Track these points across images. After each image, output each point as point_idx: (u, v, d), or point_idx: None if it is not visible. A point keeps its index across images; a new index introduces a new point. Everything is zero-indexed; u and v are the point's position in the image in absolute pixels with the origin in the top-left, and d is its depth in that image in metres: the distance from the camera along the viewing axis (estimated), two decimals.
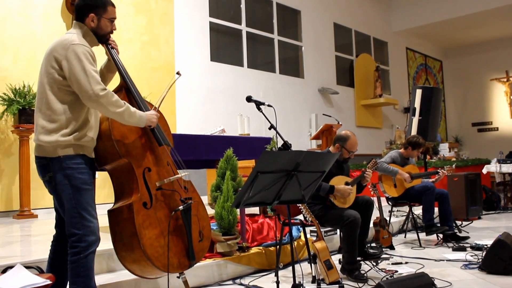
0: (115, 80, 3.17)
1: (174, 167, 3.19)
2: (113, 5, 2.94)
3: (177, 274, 3.09)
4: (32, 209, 6.29)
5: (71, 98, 2.71)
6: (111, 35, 3.02)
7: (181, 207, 2.97)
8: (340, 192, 4.21)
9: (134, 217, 2.79)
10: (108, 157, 2.93)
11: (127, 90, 3.10)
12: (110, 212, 2.93)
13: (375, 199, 5.28)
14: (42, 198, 6.58)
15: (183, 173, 3.13)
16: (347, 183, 4.30)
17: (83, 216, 2.68)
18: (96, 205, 2.84)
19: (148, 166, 2.99)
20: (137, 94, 3.11)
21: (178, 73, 3.46)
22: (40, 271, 2.70)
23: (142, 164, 2.96)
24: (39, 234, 4.83)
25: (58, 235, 2.94)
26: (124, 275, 3.51)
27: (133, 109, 2.82)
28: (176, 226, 3.01)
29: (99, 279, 3.21)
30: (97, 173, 3.07)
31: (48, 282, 2.46)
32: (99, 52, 2.94)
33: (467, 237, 5.63)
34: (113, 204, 2.99)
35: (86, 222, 2.68)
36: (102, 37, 2.94)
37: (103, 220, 3.04)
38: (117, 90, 3.09)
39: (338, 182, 4.26)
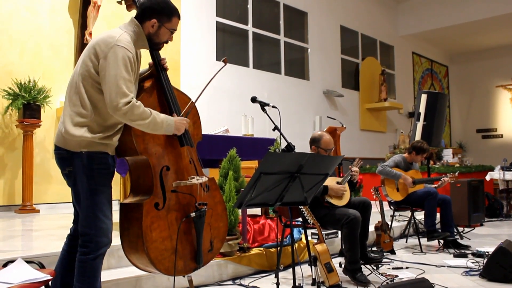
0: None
1: (199, 166, 3.05)
2: (178, 17, 2.84)
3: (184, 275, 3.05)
4: (34, 204, 6.30)
5: (101, 96, 2.61)
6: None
7: (193, 214, 2.85)
8: (334, 191, 4.22)
9: (143, 218, 2.71)
10: (127, 150, 2.84)
11: (157, 79, 2.95)
12: (121, 206, 2.87)
13: (377, 203, 5.28)
14: (45, 193, 6.60)
15: (202, 178, 2.93)
16: (338, 183, 4.29)
17: (97, 217, 2.63)
18: None
19: (167, 165, 2.88)
20: (168, 86, 2.95)
21: (224, 60, 3.15)
22: (41, 266, 2.69)
23: (160, 162, 2.85)
24: (41, 229, 4.84)
25: (74, 231, 2.86)
26: (124, 272, 3.52)
27: (160, 118, 2.68)
28: (187, 229, 2.92)
29: None
30: None
31: (49, 277, 2.46)
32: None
33: (468, 246, 5.59)
34: (127, 196, 2.92)
35: (99, 223, 2.64)
36: (155, 44, 2.84)
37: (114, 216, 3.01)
38: (146, 78, 2.97)
39: (329, 182, 4.25)
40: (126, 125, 2.75)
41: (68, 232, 2.89)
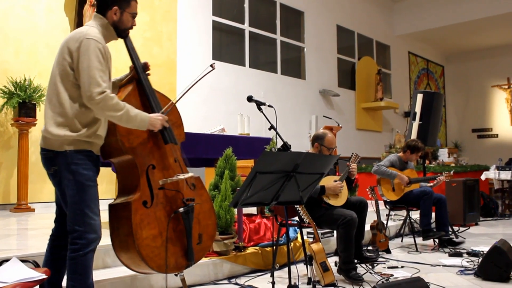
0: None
1: (183, 164, 3.11)
2: (136, 1, 2.91)
3: (177, 272, 3.07)
4: (30, 202, 6.29)
5: (80, 93, 2.65)
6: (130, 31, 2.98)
7: (181, 209, 2.90)
8: (331, 189, 4.22)
9: (132, 216, 2.75)
10: (113, 151, 2.89)
11: (138, 82, 3.02)
12: (110, 207, 2.91)
13: (373, 202, 5.29)
14: (40, 192, 6.58)
15: (187, 174, 3.02)
16: (335, 181, 4.30)
17: (86, 213, 2.66)
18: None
19: (153, 164, 2.93)
20: (149, 88, 3.03)
21: (212, 65, 3.22)
22: (36, 265, 2.68)
23: (146, 161, 2.90)
24: (36, 228, 4.83)
25: (56, 230, 2.91)
26: (120, 271, 3.52)
27: (134, 112, 2.74)
28: (176, 227, 2.96)
29: (94, 275, 3.19)
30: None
31: (44, 276, 2.45)
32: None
33: (462, 242, 5.62)
34: (115, 198, 2.96)
35: (88, 219, 2.66)
36: (122, 31, 2.90)
37: (103, 215, 3.03)
38: (128, 81, 3.04)
39: (327, 182, 4.25)
40: (111, 126, 2.82)
41: (50, 232, 2.93)
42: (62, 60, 2.69)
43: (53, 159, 2.70)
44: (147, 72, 3.08)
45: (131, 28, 2.94)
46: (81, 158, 2.68)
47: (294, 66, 11.67)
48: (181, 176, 2.96)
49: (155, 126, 2.87)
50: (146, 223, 2.81)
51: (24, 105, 6.20)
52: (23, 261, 2.57)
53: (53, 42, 6.99)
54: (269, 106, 3.80)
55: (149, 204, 2.86)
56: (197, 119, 8.72)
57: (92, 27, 2.76)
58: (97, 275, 3.39)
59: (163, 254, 2.85)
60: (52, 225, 2.96)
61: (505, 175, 8.99)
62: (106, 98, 2.60)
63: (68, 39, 2.71)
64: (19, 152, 6.24)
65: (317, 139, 4.46)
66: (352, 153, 4.57)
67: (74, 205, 2.66)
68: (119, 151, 2.85)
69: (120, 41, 3.02)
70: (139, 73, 3.03)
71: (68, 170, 2.66)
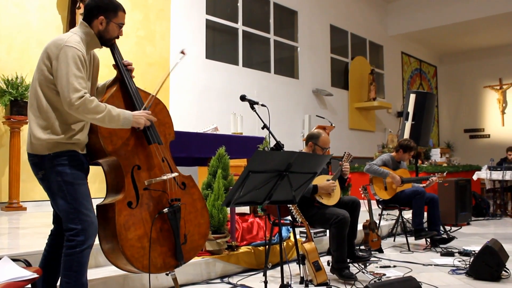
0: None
1: (172, 164, 3.10)
2: (124, 11, 2.91)
3: (166, 272, 3.07)
4: (21, 201, 6.25)
5: (59, 98, 2.66)
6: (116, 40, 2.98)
7: (165, 210, 2.90)
8: (324, 189, 4.22)
9: (116, 217, 2.75)
10: (97, 153, 2.89)
11: (122, 83, 3.02)
12: (97, 207, 2.91)
13: (365, 201, 5.30)
14: (32, 190, 6.54)
15: (172, 174, 3.01)
16: (328, 181, 4.30)
17: (80, 211, 2.66)
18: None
19: (138, 164, 2.92)
20: (133, 88, 3.02)
21: (182, 52, 3.21)
22: (27, 264, 2.67)
23: (131, 162, 2.90)
24: (28, 227, 4.80)
25: (55, 230, 2.91)
26: (112, 270, 3.50)
27: (116, 112, 2.72)
28: (163, 227, 2.95)
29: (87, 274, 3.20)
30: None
31: (35, 275, 2.44)
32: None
33: (454, 237, 5.67)
34: (104, 198, 2.96)
35: (83, 216, 2.66)
36: (107, 41, 2.89)
37: None
38: (112, 82, 3.05)
39: (320, 181, 4.26)
40: (93, 127, 2.83)
41: (42, 231, 2.90)
42: (41, 65, 2.70)
43: (39, 163, 2.71)
44: (129, 68, 3.06)
45: (117, 37, 2.94)
46: (66, 159, 2.69)
47: (287, 66, 11.68)
48: (165, 177, 2.95)
49: (139, 122, 2.85)
50: (131, 224, 2.81)
51: (16, 103, 6.16)
52: (14, 260, 2.55)
53: (45, 40, 6.90)
54: (262, 105, 3.80)
55: (134, 204, 2.85)
56: (190, 118, 8.71)
57: (75, 34, 2.76)
58: (89, 274, 3.36)
59: (151, 254, 2.85)
60: (44, 224, 2.95)
61: (497, 175, 9.05)
62: (85, 102, 2.60)
63: (49, 44, 2.72)
64: (11, 150, 6.20)
65: (311, 138, 4.47)
66: (345, 152, 4.58)
67: (67, 205, 2.66)
68: (103, 153, 2.85)
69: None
70: (122, 72, 3.02)
71: (55, 172, 2.67)
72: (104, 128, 2.81)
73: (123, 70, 3.02)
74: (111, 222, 2.78)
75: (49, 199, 2.82)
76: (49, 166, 2.67)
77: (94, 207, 2.90)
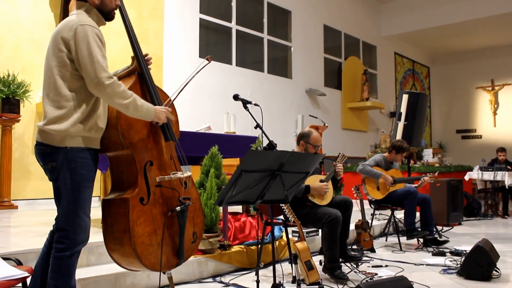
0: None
1: (177, 162, 3.09)
2: None
3: (168, 270, 3.05)
4: (13, 200, 6.21)
5: (80, 84, 2.59)
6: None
7: (178, 208, 2.87)
8: (317, 190, 4.22)
9: (129, 213, 2.70)
10: (111, 145, 2.82)
11: (140, 76, 2.97)
12: (105, 202, 2.85)
13: (357, 201, 5.32)
14: (23, 189, 6.50)
15: (185, 173, 2.99)
16: (321, 181, 4.31)
17: (78, 214, 2.60)
18: None
19: (151, 160, 2.88)
20: (151, 82, 2.98)
21: (208, 58, 3.18)
22: (18, 263, 2.65)
23: (145, 157, 2.86)
24: (19, 226, 4.77)
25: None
26: (103, 269, 3.49)
27: (140, 101, 2.69)
28: (169, 225, 2.92)
29: (78, 273, 3.16)
30: None
31: (26, 274, 2.43)
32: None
33: (447, 241, 5.69)
34: (109, 193, 2.90)
35: (78, 220, 2.61)
36: (107, 14, 2.81)
37: (91, 214, 2.99)
38: (129, 73, 2.99)
39: (313, 181, 4.26)
40: (112, 119, 2.75)
41: (51, 228, 2.84)
42: (57, 52, 2.59)
43: (51, 154, 2.60)
44: (149, 66, 3.03)
45: (116, 8, 2.85)
46: (81, 157, 2.61)
47: (280, 65, 11.68)
48: (179, 175, 2.94)
49: (160, 118, 2.83)
50: (142, 220, 2.77)
51: (7, 101, 6.12)
52: (5, 259, 2.54)
53: (38, 37, 6.91)
54: (255, 105, 3.80)
55: (145, 201, 2.81)
56: (183, 117, 8.61)
57: (80, 14, 2.67)
58: (81, 273, 3.36)
59: (157, 252, 2.81)
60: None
61: (488, 175, 9.11)
62: (114, 84, 2.55)
63: (59, 29, 2.62)
64: (2, 148, 6.16)
65: (302, 137, 4.47)
66: (339, 153, 4.59)
67: (67, 205, 2.60)
68: (118, 145, 2.78)
69: (112, 30, 2.97)
70: (142, 66, 2.97)
71: (67, 168, 2.58)
72: (123, 121, 2.75)
73: (143, 63, 2.98)
74: (123, 218, 2.72)
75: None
76: (62, 159, 2.57)
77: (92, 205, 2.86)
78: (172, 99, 3.06)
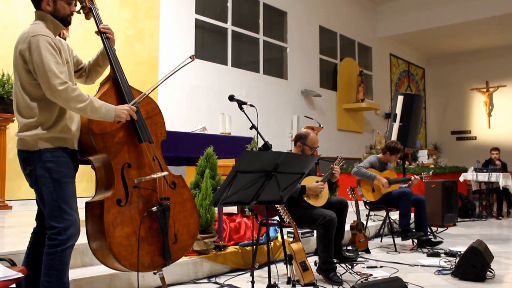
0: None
1: (163, 163, 3.12)
2: None
3: (153, 271, 3.06)
4: (7, 200, 6.19)
5: (42, 92, 2.65)
6: (104, 25, 2.99)
7: (154, 208, 2.90)
8: (312, 190, 4.23)
9: (104, 214, 2.76)
10: (88, 149, 2.90)
11: (114, 81, 3.04)
12: (86, 205, 2.91)
13: (353, 202, 5.32)
14: (18, 189, 6.48)
15: (161, 173, 3.02)
16: (317, 182, 4.31)
17: (64, 210, 2.66)
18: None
19: (128, 162, 2.93)
20: (126, 86, 3.04)
21: (191, 57, 3.19)
22: (12, 264, 2.65)
23: (121, 160, 2.91)
24: (13, 226, 4.75)
25: (38, 228, 2.91)
26: (98, 270, 3.48)
27: (98, 103, 2.73)
28: (152, 225, 2.96)
29: (73, 274, 3.17)
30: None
31: (20, 275, 2.42)
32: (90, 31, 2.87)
33: (441, 242, 5.72)
34: (93, 195, 2.96)
35: (66, 215, 2.66)
36: (63, 20, 2.85)
37: (81, 213, 3.00)
38: (106, 79, 3.06)
39: (309, 182, 4.27)
40: (84, 124, 2.83)
41: (27, 230, 2.90)
42: (17, 66, 2.70)
43: (28, 159, 2.70)
44: (108, 35, 3.06)
45: (72, 14, 2.89)
46: (56, 155, 2.69)
47: (276, 66, 11.69)
48: (155, 175, 2.96)
49: (121, 116, 2.84)
50: (119, 222, 2.82)
51: (2, 100, 6.09)
52: None
53: None
54: (251, 105, 3.80)
55: (123, 202, 2.86)
56: (178, 117, 8.68)
57: (35, 24, 2.75)
58: (76, 273, 3.36)
59: (139, 253, 2.84)
60: (30, 223, 2.93)
61: (483, 176, 9.14)
62: (68, 89, 2.61)
63: (17, 43, 2.72)
64: None
65: (299, 138, 4.47)
66: (337, 156, 4.61)
67: (52, 202, 2.66)
68: (93, 149, 2.86)
69: (89, 28, 2.98)
70: (115, 70, 3.03)
71: (44, 168, 2.66)
72: (95, 125, 2.81)
73: (116, 68, 3.02)
74: (99, 219, 2.78)
75: (35, 198, 2.81)
76: (37, 161, 2.67)
77: (83, 205, 2.89)
78: (146, 94, 3.05)
